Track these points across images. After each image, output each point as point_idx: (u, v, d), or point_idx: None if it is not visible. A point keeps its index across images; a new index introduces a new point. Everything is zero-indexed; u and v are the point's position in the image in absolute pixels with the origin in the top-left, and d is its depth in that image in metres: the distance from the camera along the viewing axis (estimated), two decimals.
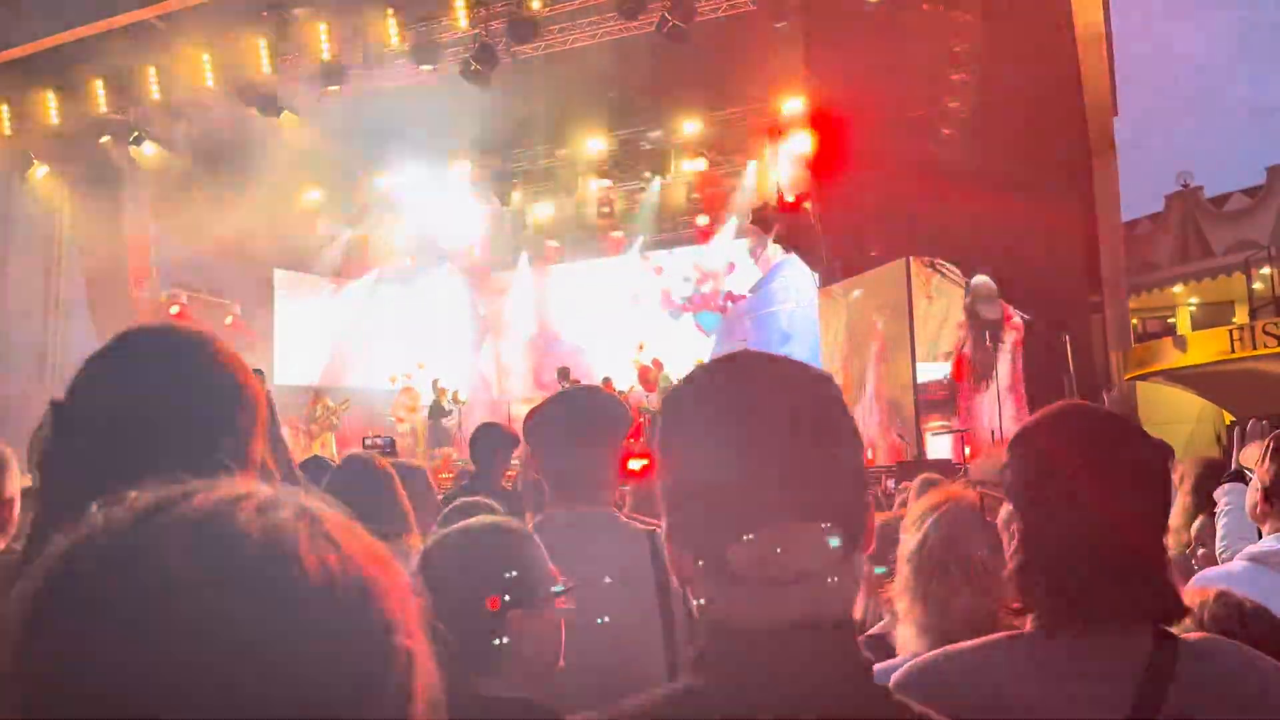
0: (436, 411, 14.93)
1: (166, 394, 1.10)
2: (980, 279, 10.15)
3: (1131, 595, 1.25)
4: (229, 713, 0.48)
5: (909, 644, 1.72)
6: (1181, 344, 13.41)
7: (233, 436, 1.13)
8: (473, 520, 1.72)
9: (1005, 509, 1.38)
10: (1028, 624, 1.32)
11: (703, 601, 0.92)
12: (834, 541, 0.88)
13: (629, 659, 1.85)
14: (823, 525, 0.88)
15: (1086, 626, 1.25)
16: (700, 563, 0.91)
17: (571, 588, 1.62)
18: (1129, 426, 1.37)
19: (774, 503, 0.88)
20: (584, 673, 1.52)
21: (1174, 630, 1.28)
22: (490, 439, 4.33)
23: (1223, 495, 3.05)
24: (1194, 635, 1.30)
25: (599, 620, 1.82)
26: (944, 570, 1.69)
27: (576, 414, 2.11)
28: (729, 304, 18.34)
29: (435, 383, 16.63)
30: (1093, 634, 1.24)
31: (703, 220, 18.12)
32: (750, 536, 0.87)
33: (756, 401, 0.92)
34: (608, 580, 1.91)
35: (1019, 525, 1.33)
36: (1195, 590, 1.82)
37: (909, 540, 1.77)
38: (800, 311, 16.46)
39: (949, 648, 1.37)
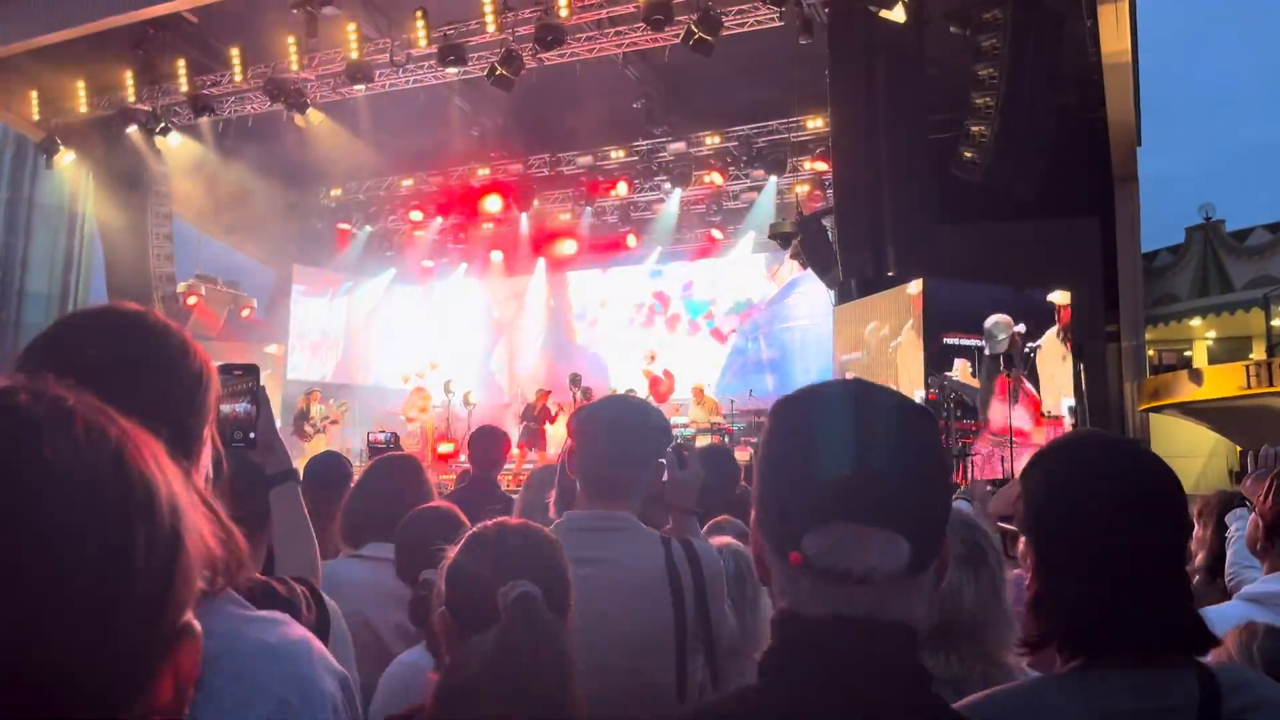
0: (542, 416, 14.95)
1: (104, 372, 1.06)
2: (993, 320, 10.22)
3: (1154, 626, 1.23)
4: None
5: None
6: (1197, 378, 13.32)
7: (172, 413, 1.11)
8: (507, 520, 1.71)
9: (1023, 542, 1.36)
10: (1057, 660, 1.29)
11: (777, 592, 1.00)
12: (903, 550, 0.93)
13: (639, 663, 1.85)
14: (895, 535, 0.93)
15: (1123, 661, 1.22)
16: (775, 552, 0.99)
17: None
18: (1144, 452, 1.34)
19: (851, 503, 0.94)
20: (593, 676, 1.52)
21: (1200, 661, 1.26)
22: (488, 442, 4.38)
23: (1233, 521, 3.02)
24: (1213, 663, 1.28)
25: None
26: None
27: (623, 418, 2.13)
28: (744, 318, 18.35)
29: (447, 384, 16.69)
30: (1140, 668, 1.22)
31: (719, 234, 18.17)
32: (822, 529, 0.94)
33: (853, 414, 0.99)
34: (630, 586, 1.92)
35: (1032, 556, 1.30)
36: (1244, 625, 1.81)
37: None
38: (814, 329, 16.44)
39: (997, 689, 1.36)
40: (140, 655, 0.56)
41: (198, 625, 0.60)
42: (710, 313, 18.80)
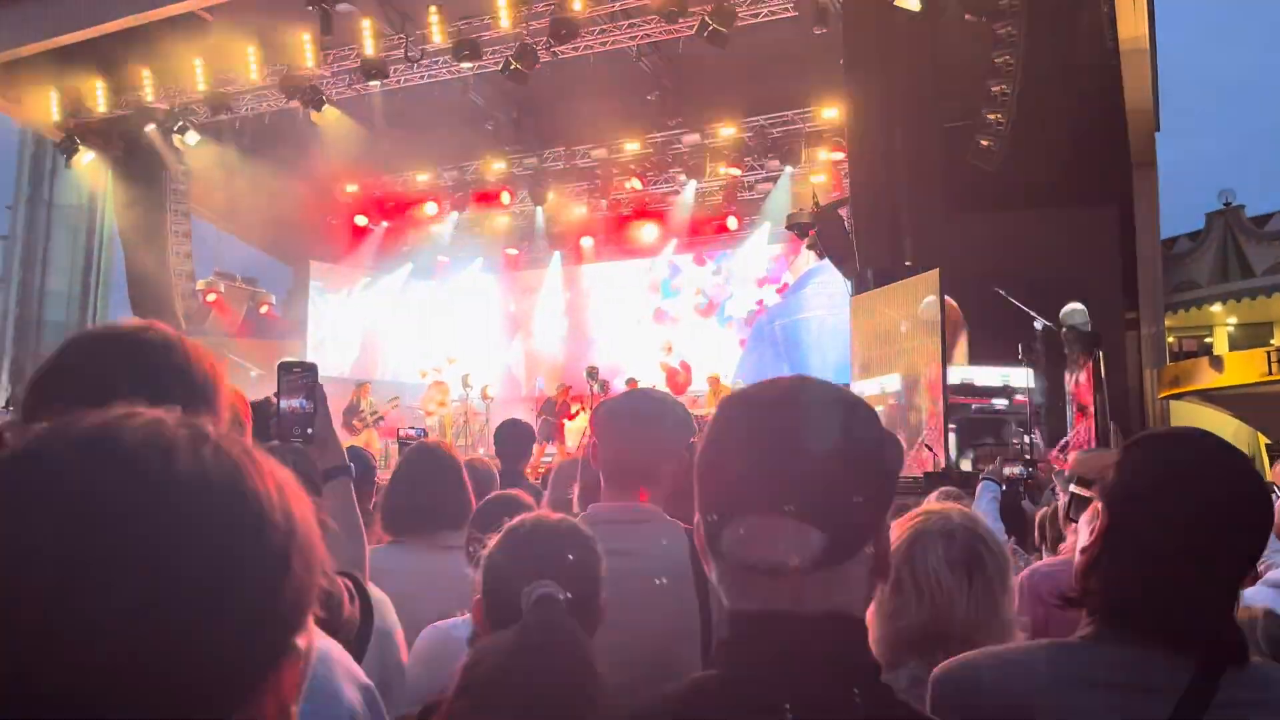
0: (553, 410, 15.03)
1: (123, 377, 1.10)
2: (1073, 306, 10.08)
3: (1189, 621, 1.24)
4: (98, 579, 0.54)
5: None
6: (1218, 364, 13.23)
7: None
8: (549, 517, 1.72)
9: (1093, 508, 1.37)
10: (1081, 624, 1.31)
11: (716, 586, 1.02)
12: (813, 541, 0.93)
13: (666, 655, 1.87)
14: (804, 525, 0.93)
15: (1134, 639, 1.24)
16: (706, 548, 1.01)
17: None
18: (1245, 461, 1.36)
19: (758, 495, 0.95)
20: (618, 668, 1.53)
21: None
22: (515, 434, 4.41)
23: None
24: (1255, 661, 1.28)
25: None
26: (898, 584, 1.68)
27: (644, 410, 2.14)
28: (758, 309, 18.32)
29: (465, 378, 16.74)
30: (1140, 648, 1.23)
31: (735, 224, 18.14)
32: (734, 522, 0.96)
33: (773, 410, 1.00)
34: (656, 578, 1.94)
35: (1103, 521, 1.31)
36: (1240, 610, 1.81)
37: None
38: (831, 319, 16.39)
39: (993, 648, 1.39)
40: (238, 668, 0.58)
41: (303, 645, 0.62)
42: (699, 289, 18.81)
